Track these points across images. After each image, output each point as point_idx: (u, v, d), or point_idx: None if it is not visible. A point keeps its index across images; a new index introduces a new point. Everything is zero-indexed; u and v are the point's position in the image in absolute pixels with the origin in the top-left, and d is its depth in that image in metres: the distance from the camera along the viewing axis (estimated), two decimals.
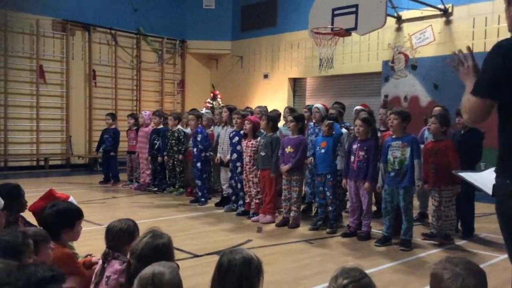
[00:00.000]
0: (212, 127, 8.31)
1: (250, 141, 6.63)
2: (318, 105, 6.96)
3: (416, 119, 8.39)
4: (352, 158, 5.63)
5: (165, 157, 8.60)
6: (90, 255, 3.48)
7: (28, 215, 3.52)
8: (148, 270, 1.88)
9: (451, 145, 5.33)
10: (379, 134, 6.14)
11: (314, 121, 6.79)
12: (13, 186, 3.63)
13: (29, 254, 2.25)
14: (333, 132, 5.94)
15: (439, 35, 10.14)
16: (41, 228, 2.89)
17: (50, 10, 12.03)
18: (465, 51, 2.40)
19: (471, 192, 5.54)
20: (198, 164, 7.65)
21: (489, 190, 2.40)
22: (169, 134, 8.59)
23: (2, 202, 3.12)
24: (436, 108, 6.31)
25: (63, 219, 2.89)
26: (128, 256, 2.30)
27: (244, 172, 6.69)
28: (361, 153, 5.54)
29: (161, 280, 1.81)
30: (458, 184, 5.19)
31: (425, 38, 10.35)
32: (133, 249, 2.28)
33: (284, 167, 6.10)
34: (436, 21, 10.19)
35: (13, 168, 11.54)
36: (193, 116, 7.85)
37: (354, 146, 5.65)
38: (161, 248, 2.28)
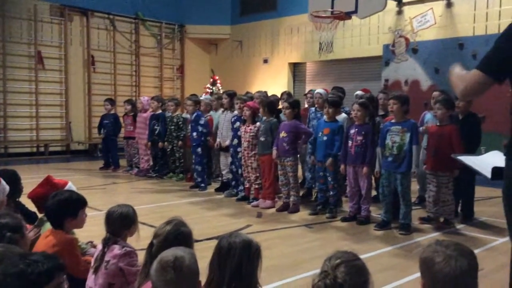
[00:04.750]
0: (210, 112, 8.28)
1: (248, 126, 6.61)
2: (320, 90, 6.98)
3: (417, 103, 8.37)
4: (350, 143, 5.60)
5: (165, 143, 8.60)
6: (92, 242, 3.49)
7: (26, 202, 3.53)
8: (169, 253, 1.91)
9: (454, 130, 5.30)
10: (379, 119, 6.11)
11: (316, 106, 6.77)
12: (11, 172, 3.64)
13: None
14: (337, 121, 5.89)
15: (440, 18, 10.03)
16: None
17: None
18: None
19: (471, 176, 5.54)
20: (198, 150, 7.64)
21: (488, 173, 2.39)
22: (168, 119, 8.58)
23: (8, 188, 3.13)
24: (435, 93, 6.26)
25: (66, 208, 2.90)
26: (152, 238, 2.36)
27: (243, 157, 6.69)
28: (359, 138, 5.52)
29: (182, 264, 1.85)
30: (457, 169, 5.19)
31: (426, 21, 10.25)
32: (158, 233, 2.35)
33: (273, 153, 6.11)
34: (437, 4, 10.07)
35: (13, 154, 11.54)
36: (191, 101, 7.85)
37: (352, 131, 5.62)
38: (186, 235, 2.36)
